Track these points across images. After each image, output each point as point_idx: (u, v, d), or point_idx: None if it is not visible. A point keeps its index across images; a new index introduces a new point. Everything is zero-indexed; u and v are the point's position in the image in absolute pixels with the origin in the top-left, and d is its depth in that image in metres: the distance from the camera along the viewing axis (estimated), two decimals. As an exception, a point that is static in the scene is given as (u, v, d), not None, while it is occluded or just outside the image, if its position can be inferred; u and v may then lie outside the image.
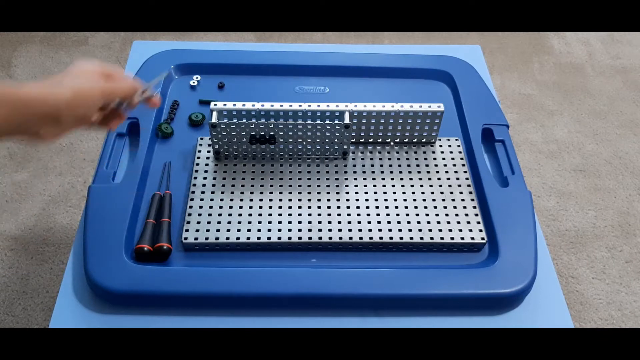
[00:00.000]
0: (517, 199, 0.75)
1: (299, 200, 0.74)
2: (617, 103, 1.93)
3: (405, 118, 0.79)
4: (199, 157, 0.79)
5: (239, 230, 0.71)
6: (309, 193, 0.75)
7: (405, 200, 0.75)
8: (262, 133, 0.77)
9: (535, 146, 1.77)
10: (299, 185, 0.76)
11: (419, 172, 0.79)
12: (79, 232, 0.73)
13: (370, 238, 0.70)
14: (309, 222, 0.72)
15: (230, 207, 0.73)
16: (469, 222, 0.72)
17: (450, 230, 0.71)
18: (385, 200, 0.75)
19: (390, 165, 0.79)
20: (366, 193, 0.76)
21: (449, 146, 0.82)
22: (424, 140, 0.83)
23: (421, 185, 0.77)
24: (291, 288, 0.65)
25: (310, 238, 0.70)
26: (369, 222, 0.72)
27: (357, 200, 0.75)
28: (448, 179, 0.78)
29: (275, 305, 0.66)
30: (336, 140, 0.78)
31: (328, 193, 0.75)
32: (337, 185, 0.77)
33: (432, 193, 0.76)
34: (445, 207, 0.74)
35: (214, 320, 0.65)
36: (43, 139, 0.52)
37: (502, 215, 0.73)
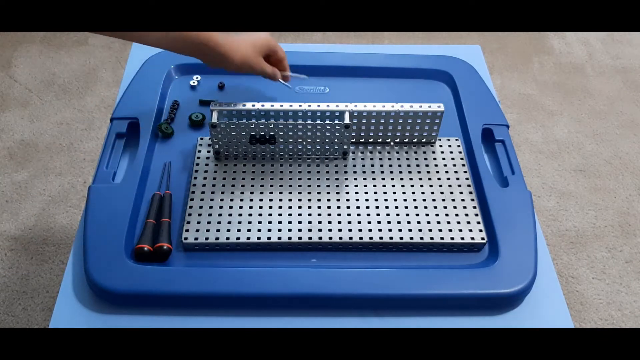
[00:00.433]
0: (517, 199, 0.75)
1: (299, 200, 0.74)
2: (617, 103, 1.93)
3: (405, 118, 0.79)
4: (199, 157, 0.80)
5: (239, 230, 0.71)
6: (309, 193, 0.75)
7: (405, 200, 0.75)
8: (262, 133, 0.77)
9: (535, 146, 1.77)
10: (299, 185, 0.76)
11: (419, 172, 0.79)
12: (79, 232, 0.73)
13: (370, 238, 0.70)
14: (309, 222, 0.72)
15: (230, 207, 0.73)
16: (469, 222, 0.72)
17: (450, 230, 0.71)
18: (385, 200, 0.75)
19: (390, 165, 0.79)
20: (366, 193, 0.76)
21: (449, 146, 0.82)
22: (424, 140, 0.83)
23: (421, 185, 0.77)
24: (291, 288, 0.65)
25: (310, 238, 0.70)
26: (369, 222, 0.72)
27: (357, 200, 0.75)
28: (448, 179, 0.78)
29: (275, 305, 0.66)
30: (336, 140, 0.78)
31: (328, 193, 0.75)
32: (337, 185, 0.77)
33: (432, 193, 0.76)
34: (445, 207, 0.74)
35: (214, 320, 0.65)
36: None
37: (502, 215, 0.73)
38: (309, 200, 0.74)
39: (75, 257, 0.70)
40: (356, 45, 1.14)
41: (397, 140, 0.83)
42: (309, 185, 0.76)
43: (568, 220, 1.57)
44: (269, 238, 0.70)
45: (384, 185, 0.77)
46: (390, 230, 0.71)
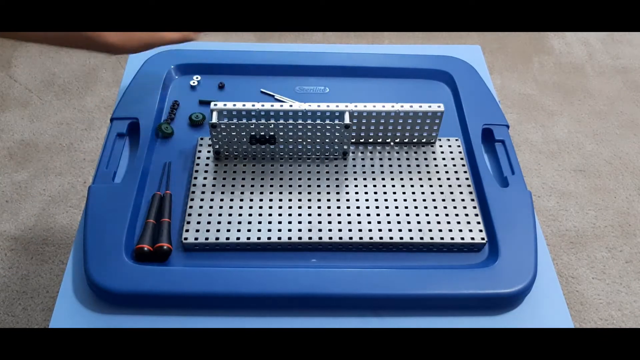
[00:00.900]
0: (517, 199, 0.75)
1: (299, 200, 0.74)
2: (617, 103, 1.93)
3: (405, 118, 0.79)
4: (199, 157, 0.80)
5: (239, 230, 0.71)
6: (309, 193, 0.75)
7: (405, 200, 0.75)
8: (262, 133, 0.77)
9: (535, 146, 1.77)
10: (299, 185, 0.76)
11: (419, 172, 0.79)
12: (79, 232, 0.73)
13: (370, 238, 0.70)
14: (309, 222, 0.72)
15: (230, 207, 0.73)
16: (469, 222, 0.72)
17: (450, 230, 0.71)
18: (385, 200, 0.75)
19: (390, 165, 0.79)
20: (366, 193, 0.76)
21: (449, 146, 0.82)
22: (424, 140, 0.83)
23: (421, 185, 0.77)
24: (291, 288, 0.65)
25: (310, 238, 0.70)
26: (369, 222, 0.72)
27: (357, 200, 0.75)
28: (448, 179, 0.78)
29: (275, 305, 0.66)
30: (336, 140, 0.78)
31: (328, 193, 0.75)
32: (337, 185, 0.77)
33: (432, 193, 0.76)
34: (445, 207, 0.74)
35: (214, 320, 0.65)
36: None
37: (502, 216, 0.73)
38: (309, 200, 0.74)
39: (75, 257, 0.70)
40: (356, 45, 1.14)
41: (397, 140, 0.83)
42: (309, 185, 0.76)
43: (568, 221, 1.57)
44: (269, 238, 0.70)
45: (384, 185, 0.77)
46: (390, 230, 0.71)
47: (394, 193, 0.76)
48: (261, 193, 0.75)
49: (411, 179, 0.78)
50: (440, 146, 0.82)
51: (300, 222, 0.72)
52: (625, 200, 1.62)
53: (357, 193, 0.76)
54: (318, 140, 0.78)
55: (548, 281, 0.69)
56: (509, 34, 2.18)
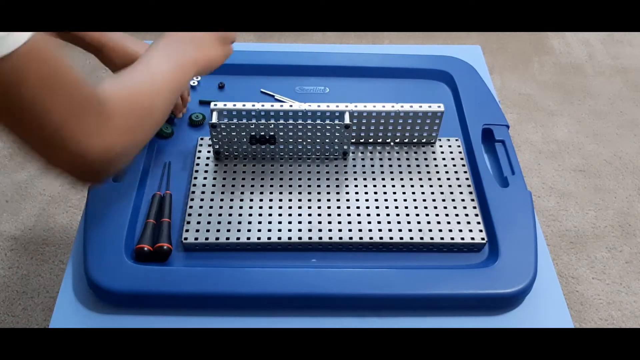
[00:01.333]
0: (517, 199, 0.75)
1: (299, 200, 0.74)
2: (617, 103, 1.93)
3: (405, 118, 0.79)
4: (199, 157, 0.80)
5: (239, 231, 0.71)
6: (309, 193, 0.75)
7: (405, 200, 0.75)
8: (262, 133, 0.77)
9: (536, 146, 1.77)
10: (299, 185, 0.76)
11: (419, 172, 0.79)
12: (79, 232, 0.73)
13: (370, 238, 0.70)
14: (309, 222, 0.72)
15: (230, 207, 0.73)
16: (469, 222, 0.72)
17: (450, 231, 0.71)
18: (385, 200, 0.75)
19: (390, 165, 0.79)
20: (366, 193, 0.76)
21: (449, 146, 0.82)
22: (424, 140, 0.83)
23: (421, 186, 0.77)
24: (291, 288, 0.65)
25: (310, 238, 0.70)
26: (369, 222, 0.72)
27: (357, 200, 0.75)
28: (448, 179, 0.78)
29: (275, 305, 0.66)
30: (336, 140, 0.78)
31: (328, 193, 0.75)
32: (337, 185, 0.77)
33: (432, 193, 0.76)
34: (445, 207, 0.74)
35: (213, 320, 0.65)
36: None
37: (502, 216, 0.73)
38: (309, 200, 0.74)
39: (75, 257, 0.70)
40: (356, 45, 1.14)
41: (397, 140, 0.83)
42: (309, 185, 0.76)
43: (568, 221, 1.57)
44: (269, 238, 0.70)
45: (384, 186, 0.77)
46: (390, 230, 0.71)
47: (394, 193, 0.76)
48: (261, 193, 0.75)
49: (411, 179, 0.78)
50: (440, 146, 0.82)
51: (300, 222, 0.72)
52: (625, 201, 1.62)
53: (357, 193, 0.76)
54: (318, 140, 0.78)
55: (548, 281, 0.69)
56: (509, 34, 2.18)
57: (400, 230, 0.71)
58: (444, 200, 0.75)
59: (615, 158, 1.74)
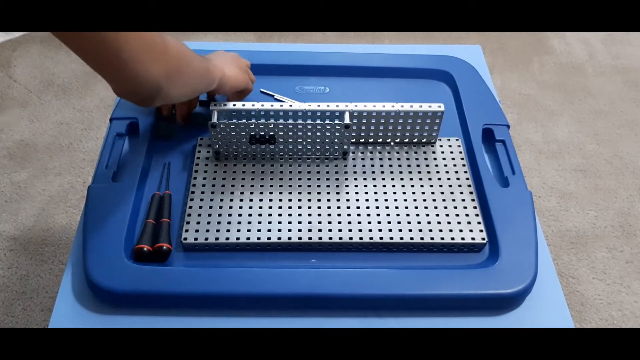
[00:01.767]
0: (517, 199, 0.75)
1: (299, 200, 0.74)
2: (617, 103, 1.93)
3: (405, 118, 0.79)
4: (198, 157, 0.79)
5: (239, 231, 0.71)
6: (309, 193, 0.75)
7: (405, 200, 0.75)
8: (262, 133, 0.77)
9: (536, 146, 1.77)
10: (299, 185, 0.76)
11: (419, 172, 0.79)
12: (78, 233, 0.73)
13: (371, 238, 0.70)
14: (309, 222, 0.72)
15: (230, 207, 0.73)
16: (469, 223, 0.72)
17: (450, 231, 0.71)
18: (385, 200, 0.75)
19: (391, 165, 0.79)
20: (366, 193, 0.75)
21: (449, 146, 0.82)
22: (424, 140, 0.82)
23: (421, 185, 0.77)
24: (291, 288, 0.65)
25: (310, 238, 0.70)
26: (369, 222, 0.72)
27: (357, 200, 0.75)
28: (448, 179, 0.78)
29: (275, 306, 0.66)
30: (336, 140, 0.78)
31: (328, 193, 0.75)
32: (337, 185, 0.76)
33: (433, 193, 0.76)
34: (445, 207, 0.74)
35: (213, 320, 0.65)
36: None
37: (503, 216, 0.73)
38: (309, 200, 0.74)
39: (75, 258, 0.70)
40: (356, 45, 1.14)
41: (397, 140, 0.82)
42: (309, 185, 0.76)
43: (568, 221, 1.56)
44: (269, 238, 0.70)
45: (384, 185, 0.77)
46: (390, 230, 0.71)
47: (394, 193, 0.76)
48: (261, 193, 0.75)
49: (411, 179, 0.78)
50: (441, 146, 0.82)
51: (300, 222, 0.71)
52: (625, 201, 1.62)
53: (357, 193, 0.75)
54: (318, 140, 0.78)
55: (548, 281, 0.69)
56: (509, 34, 2.18)
57: (400, 230, 0.71)
58: (444, 200, 0.75)
59: (615, 158, 1.74)
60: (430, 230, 0.71)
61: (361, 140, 0.82)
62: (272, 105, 0.76)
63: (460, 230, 0.71)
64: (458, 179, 0.78)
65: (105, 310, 0.65)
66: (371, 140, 0.82)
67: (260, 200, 0.74)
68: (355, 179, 0.77)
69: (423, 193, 0.76)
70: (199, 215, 0.72)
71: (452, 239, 0.70)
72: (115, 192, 0.74)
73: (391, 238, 0.70)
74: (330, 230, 0.71)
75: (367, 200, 0.75)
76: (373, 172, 0.78)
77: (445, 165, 0.79)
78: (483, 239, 0.71)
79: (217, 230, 0.70)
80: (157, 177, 0.78)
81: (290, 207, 0.73)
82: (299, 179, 0.77)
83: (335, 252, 0.71)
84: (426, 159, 0.81)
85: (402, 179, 0.78)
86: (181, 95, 0.71)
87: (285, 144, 0.78)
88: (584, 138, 1.80)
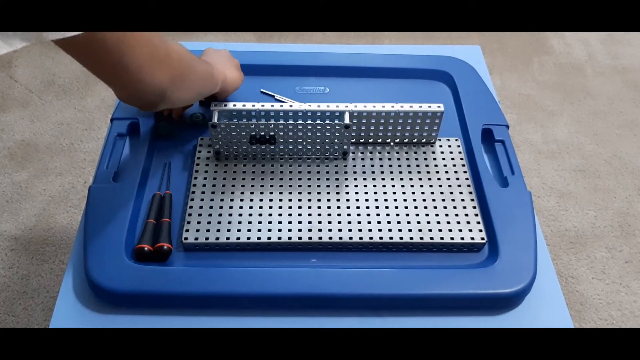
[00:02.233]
0: (517, 199, 0.75)
1: (299, 200, 0.74)
2: (617, 103, 1.93)
3: (405, 118, 0.79)
4: (199, 158, 0.80)
5: (239, 230, 0.71)
6: (309, 193, 0.75)
7: (405, 200, 0.75)
8: (262, 133, 0.77)
9: (535, 146, 1.77)
10: (299, 185, 0.76)
11: (419, 172, 0.79)
12: (79, 232, 0.73)
13: (370, 238, 0.70)
14: (309, 222, 0.72)
15: (230, 207, 0.73)
16: (468, 222, 0.72)
17: (450, 230, 0.71)
18: (385, 200, 0.75)
19: (390, 166, 0.80)
20: (366, 193, 0.76)
21: (449, 146, 0.82)
22: (424, 140, 0.83)
23: (421, 185, 0.77)
24: (291, 288, 0.65)
25: (310, 238, 0.70)
26: (369, 222, 0.72)
27: (357, 200, 0.75)
28: (448, 179, 0.78)
29: (275, 305, 0.66)
30: (336, 140, 0.78)
31: (328, 193, 0.75)
32: (337, 185, 0.77)
33: (432, 193, 0.76)
34: (445, 207, 0.74)
35: (214, 320, 0.65)
36: None
37: (502, 216, 0.73)
38: (309, 200, 0.74)
39: (76, 257, 0.70)
40: (356, 45, 1.14)
41: (397, 140, 0.83)
42: (309, 185, 0.76)
43: (568, 220, 1.57)
44: (269, 238, 0.70)
45: (384, 186, 0.77)
46: (390, 230, 0.71)
47: (394, 193, 0.76)
48: (261, 193, 0.75)
49: (411, 179, 0.78)
50: (440, 146, 0.82)
51: (300, 222, 0.72)
52: (625, 201, 1.62)
53: (357, 193, 0.76)
54: (318, 140, 0.78)
55: (548, 281, 0.70)
56: (509, 34, 2.18)
57: (400, 230, 0.71)
58: (443, 200, 0.75)
59: (615, 158, 1.74)
60: (430, 230, 0.71)
61: (361, 141, 0.83)
62: (272, 106, 0.76)
63: (460, 230, 0.71)
64: (457, 179, 0.78)
65: (106, 310, 0.66)
66: (371, 140, 0.82)
67: (261, 200, 0.74)
68: (355, 179, 0.77)
69: (423, 193, 0.76)
70: (200, 215, 0.72)
71: (452, 238, 0.71)
72: (116, 192, 0.74)
73: (391, 238, 0.70)
74: (330, 230, 0.71)
75: (367, 200, 0.75)
76: (373, 172, 0.78)
77: (445, 166, 0.80)
78: (482, 238, 0.71)
79: (218, 230, 0.71)
80: (158, 177, 0.78)
81: (290, 207, 0.73)
82: (299, 179, 0.77)
83: (335, 252, 0.71)
84: (426, 159, 0.81)
85: (402, 179, 0.78)
86: (185, 100, 0.70)
87: (285, 144, 0.79)
88: (583, 138, 1.80)
